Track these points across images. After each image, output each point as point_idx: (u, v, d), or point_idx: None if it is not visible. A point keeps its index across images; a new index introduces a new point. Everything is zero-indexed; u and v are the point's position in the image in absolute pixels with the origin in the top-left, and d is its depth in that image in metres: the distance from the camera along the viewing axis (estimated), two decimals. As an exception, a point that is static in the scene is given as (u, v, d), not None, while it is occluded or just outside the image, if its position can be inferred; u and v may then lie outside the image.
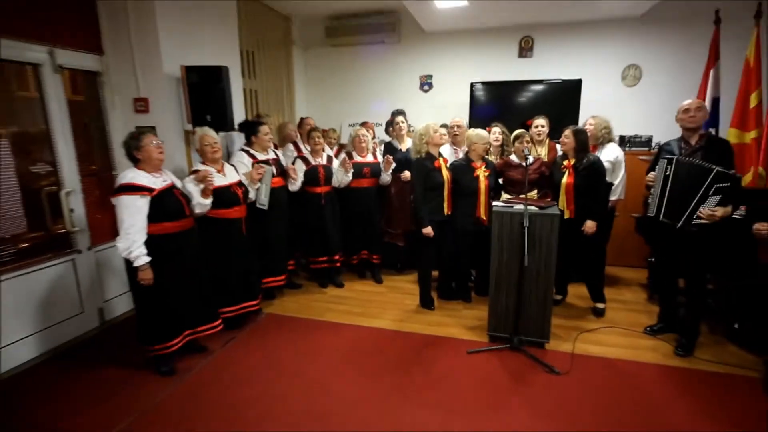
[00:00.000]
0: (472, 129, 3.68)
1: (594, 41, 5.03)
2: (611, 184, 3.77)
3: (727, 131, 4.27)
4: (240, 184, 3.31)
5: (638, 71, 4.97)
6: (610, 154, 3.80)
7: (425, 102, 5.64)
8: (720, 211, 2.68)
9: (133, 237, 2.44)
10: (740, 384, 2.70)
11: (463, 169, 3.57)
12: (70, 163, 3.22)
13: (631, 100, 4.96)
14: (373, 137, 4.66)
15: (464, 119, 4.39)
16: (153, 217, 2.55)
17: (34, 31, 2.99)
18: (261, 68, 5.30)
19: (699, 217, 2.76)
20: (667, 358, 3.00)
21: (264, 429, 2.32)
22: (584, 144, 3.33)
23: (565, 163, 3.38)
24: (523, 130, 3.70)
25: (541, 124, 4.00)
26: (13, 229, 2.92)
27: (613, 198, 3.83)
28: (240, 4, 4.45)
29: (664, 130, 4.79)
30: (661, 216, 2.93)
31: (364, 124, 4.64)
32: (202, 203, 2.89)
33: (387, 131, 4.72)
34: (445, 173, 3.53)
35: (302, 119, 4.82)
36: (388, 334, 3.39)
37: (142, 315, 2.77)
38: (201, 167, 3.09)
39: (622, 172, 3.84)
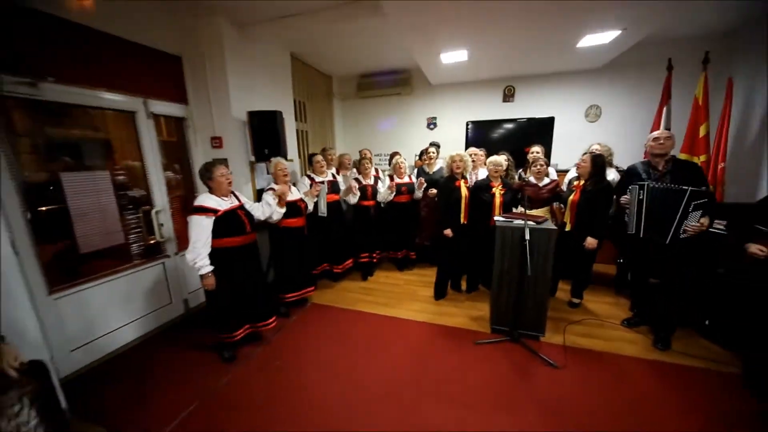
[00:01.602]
0: (492, 157, 3.08)
1: (562, 87, 4.36)
2: None
3: (678, 155, 3.59)
4: (301, 200, 2.96)
5: (599, 110, 4.28)
6: (609, 176, 3.17)
7: (431, 137, 5.05)
8: (706, 222, 2.09)
9: (198, 250, 2.02)
10: (718, 379, 2.09)
11: (483, 187, 3.01)
12: (161, 188, 2.79)
13: (594, 133, 4.27)
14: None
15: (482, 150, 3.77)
16: (218, 232, 2.12)
17: (131, 86, 2.57)
18: (310, 114, 4.85)
19: (686, 231, 2.15)
20: (648, 351, 2.38)
21: (297, 422, 1.85)
22: (600, 168, 2.66)
23: (576, 183, 2.77)
24: (539, 156, 3.15)
25: (536, 150, 3.39)
26: (111, 242, 2.50)
27: None
28: (293, 63, 3.99)
29: (621, 156, 4.14)
30: (641, 234, 2.31)
31: (395, 154, 4.11)
32: (279, 211, 2.62)
33: (421, 157, 4.10)
34: (464, 191, 2.98)
35: (361, 151, 4.30)
36: (405, 324, 2.83)
37: (212, 311, 2.33)
38: (276, 187, 2.70)
39: None
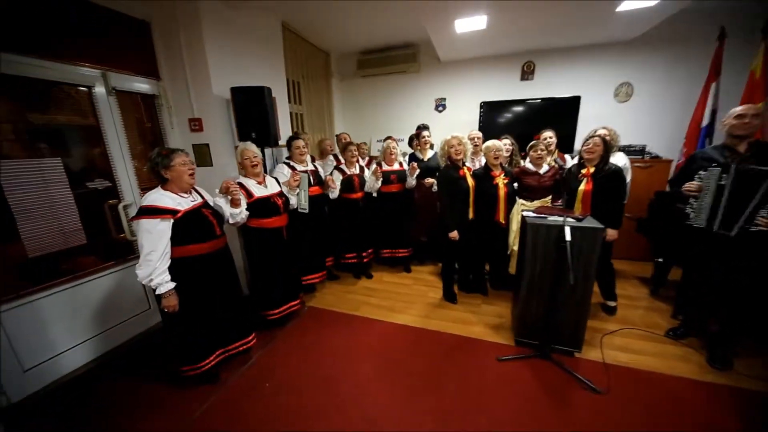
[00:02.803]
0: (489, 141, 2.67)
1: (589, 63, 3.86)
2: None
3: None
4: (281, 194, 2.42)
5: (630, 88, 3.79)
6: (619, 161, 2.74)
7: (439, 121, 4.59)
8: None
9: (154, 264, 1.57)
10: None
11: (483, 177, 2.60)
12: (130, 178, 2.38)
13: (623, 115, 3.80)
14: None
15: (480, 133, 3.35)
16: (179, 239, 1.66)
17: (86, 55, 2.13)
18: (306, 96, 4.38)
19: (757, 225, 1.74)
20: (703, 370, 2.00)
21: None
22: (608, 153, 2.34)
23: (584, 171, 2.36)
24: (538, 141, 2.69)
25: (549, 135, 2.96)
26: (73, 242, 2.11)
27: None
28: (285, 36, 3.50)
29: (656, 141, 3.68)
30: (716, 227, 1.90)
31: (388, 138, 3.65)
32: (233, 213, 2.02)
33: (411, 144, 3.72)
34: (470, 181, 2.56)
35: (338, 135, 3.88)
36: (416, 333, 2.47)
37: (171, 336, 1.85)
38: (241, 179, 2.23)
39: (629, 178, 2.78)
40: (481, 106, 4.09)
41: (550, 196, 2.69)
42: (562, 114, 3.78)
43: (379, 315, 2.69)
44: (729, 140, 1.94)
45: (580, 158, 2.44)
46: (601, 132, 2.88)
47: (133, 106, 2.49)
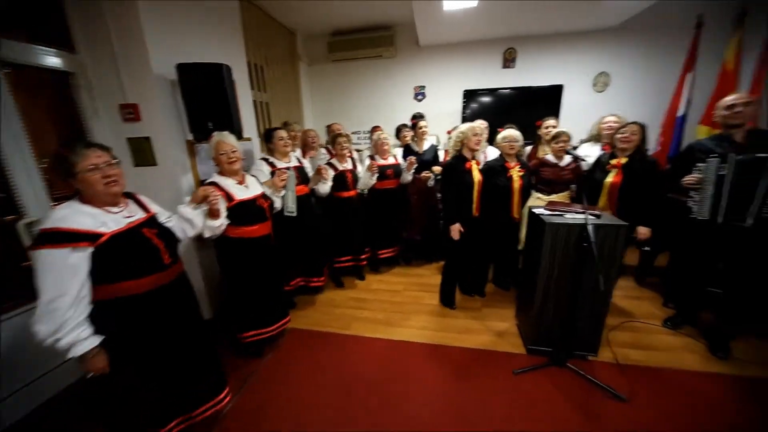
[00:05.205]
0: (506, 130, 2.43)
1: (569, 51, 3.79)
2: None
3: (696, 128, 3.25)
4: (265, 196, 1.99)
5: (607, 78, 3.80)
6: (595, 152, 2.71)
7: (419, 111, 4.30)
8: None
9: (62, 315, 1.05)
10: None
11: (497, 170, 2.37)
12: (34, 186, 1.76)
13: (601, 105, 3.80)
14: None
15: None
16: (106, 274, 1.15)
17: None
18: (271, 82, 3.84)
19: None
20: (710, 361, 1.98)
21: None
22: (645, 143, 2.19)
23: (614, 161, 2.22)
24: (562, 129, 2.51)
25: (552, 124, 2.82)
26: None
27: None
28: (245, 10, 2.94)
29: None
30: (720, 218, 1.84)
31: (376, 129, 3.29)
32: (212, 226, 1.59)
33: (398, 136, 3.38)
34: (476, 175, 2.30)
35: (329, 126, 3.45)
36: (421, 350, 2.17)
37: (109, 403, 1.31)
38: (216, 179, 1.79)
39: None
40: (464, 95, 3.87)
41: (567, 191, 2.55)
42: (546, 103, 3.69)
43: (375, 331, 2.37)
44: (725, 130, 1.91)
45: (612, 148, 2.27)
46: (611, 119, 2.77)
47: (39, 88, 1.86)
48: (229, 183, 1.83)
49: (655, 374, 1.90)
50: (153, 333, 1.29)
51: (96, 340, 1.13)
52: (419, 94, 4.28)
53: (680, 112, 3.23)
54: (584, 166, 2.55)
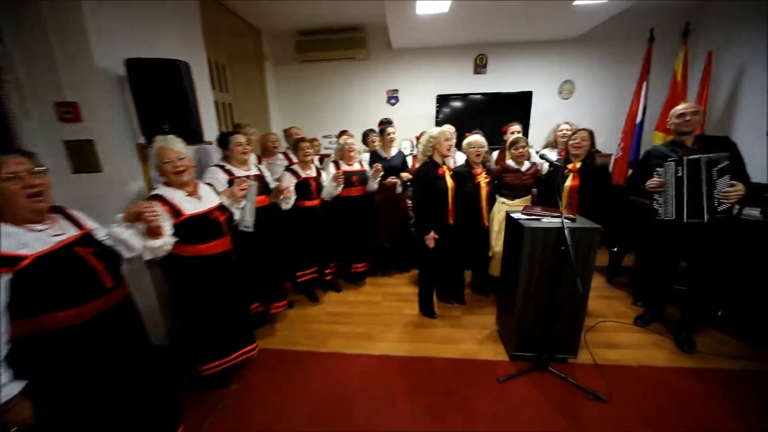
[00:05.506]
0: (472, 136, 2.43)
1: (537, 59, 3.93)
2: None
3: (653, 134, 3.48)
4: (222, 208, 1.78)
5: (572, 86, 3.98)
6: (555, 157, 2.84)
7: (392, 115, 4.21)
8: (740, 186, 1.77)
9: None
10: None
11: (465, 176, 2.36)
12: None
13: (566, 111, 3.96)
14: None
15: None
16: (33, 303, 0.96)
17: None
18: (234, 82, 3.63)
19: (722, 203, 1.82)
20: (678, 356, 2.08)
21: None
22: (594, 147, 2.30)
23: (570, 166, 2.28)
24: (520, 136, 2.55)
25: (517, 129, 2.88)
26: None
27: None
28: (203, 5, 2.73)
29: (596, 136, 3.92)
30: (686, 217, 1.93)
31: (344, 133, 3.19)
32: (152, 247, 1.35)
33: (365, 141, 3.30)
34: (449, 181, 2.27)
35: (286, 130, 3.24)
36: (403, 363, 2.09)
37: None
38: (162, 191, 1.56)
39: None
40: (437, 100, 3.88)
41: (528, 196, 2.60)
42: (516, 109, 3.78)
43: (355, 347, 2.24)
44: (677, 137, 2.04)
45: (567, 154, 2.35)
46: (564, 127, 2.92)
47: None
48: (177, 195, 1.59)
49: (630, 373, 1.96)
50: (90, 371, 1.08)
51: (17, 387, 0.93)
52: (392, 98, 4.24)
53: (639, 119, 3.44)
54: (544, 170, 2.64)
